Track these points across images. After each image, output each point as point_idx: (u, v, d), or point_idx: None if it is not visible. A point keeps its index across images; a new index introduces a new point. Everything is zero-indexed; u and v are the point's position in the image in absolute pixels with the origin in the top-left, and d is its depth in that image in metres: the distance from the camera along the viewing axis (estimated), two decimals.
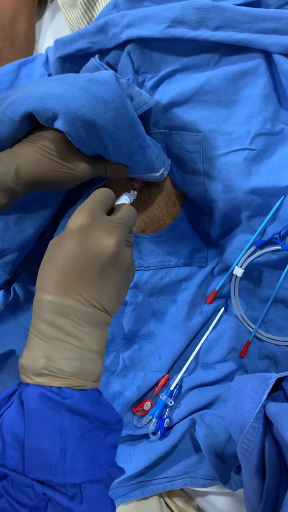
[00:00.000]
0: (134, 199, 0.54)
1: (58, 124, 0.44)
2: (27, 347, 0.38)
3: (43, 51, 0.65)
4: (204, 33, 0.52)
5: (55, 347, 0.37)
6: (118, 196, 0.50)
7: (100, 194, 0.43)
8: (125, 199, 0.51)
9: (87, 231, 0.39)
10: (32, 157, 0.46)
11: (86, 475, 0.35)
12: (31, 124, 0.47)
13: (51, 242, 0.41)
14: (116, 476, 0.38)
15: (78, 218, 0.40)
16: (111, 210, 0.45)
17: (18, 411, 0.36)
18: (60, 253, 0.39)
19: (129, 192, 0.54)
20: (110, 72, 0.47)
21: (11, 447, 0.35)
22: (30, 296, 0.66)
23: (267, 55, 0.53)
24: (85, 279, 0.38)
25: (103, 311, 0.39)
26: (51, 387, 0.36)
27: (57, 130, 0.46)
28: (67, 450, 0.34)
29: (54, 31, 0.82)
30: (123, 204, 0.46)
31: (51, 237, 0.62)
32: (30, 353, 0.38)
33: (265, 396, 0.41)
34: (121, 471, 0.39)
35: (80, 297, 0.38)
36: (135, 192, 0.44)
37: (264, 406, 0.40)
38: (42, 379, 0.36)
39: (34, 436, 0.34)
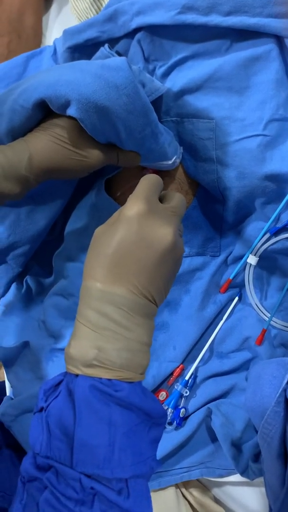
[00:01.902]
0: None
1: (71, 111, 0.44)
2: (74, 336, 0.37)
3: (50, 45, 0.65)
4: (215, 19, 0.51)
5: (106, 338, 0.36)
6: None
7: (152, 181, 0.41)
8: None
9: (145, 219, 0.38)
10: (44, 145, 0.46)
11: (133, 470, 0.34)
12: (43, 113, 0.47)
13: (99, 230, 0.40)
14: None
15: (135, 205, 0.38)
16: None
17: (66, 402, 0.35)
18: (114, 240, 0.37)
19: None
20: (122, 58, 0.46)
21: (57, 438, 0.34)
22: (42, 288, 0.66)
23: (279, 39, 0.53)
24: (140, 268, 0.37)
25: (152, 302, 0.38)
26: (101, 379, 0.35)
27: (69, 117, 0.46)
28: (115, 444, 0.34)
29: (61, 24, 0.82)
30: (174, 192, 0.44)
31: (63, 229, 0.62)
32: (78, 342, 0.36)
33: (285, 381, 0.40)
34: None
35: (132, 287, 0.36)
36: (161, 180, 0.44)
37: (284, 390, 0.40)
38: (91, 370, 0.35)
39: (84, 429, 0.34)
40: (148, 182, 0.41)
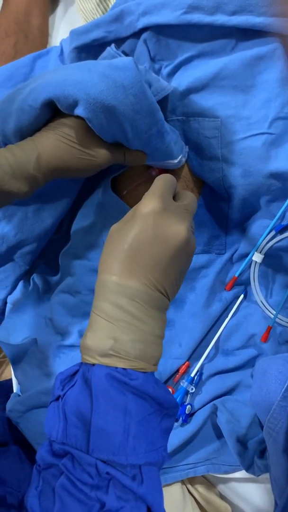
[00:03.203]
0: None
1: (79, 111, 0.45)
2: (90, 327, 0.39)
3: (57, 45, 0.65)
4: (220, 18, 0.52)
5: (121, 329, 0.37)
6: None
7: (166, 180, 0.43)
8: None
9: (160, 216, 0.39)
10: (52, 145, 0.46)
11: (146, 457, 0.35)
12: (51, 112, 0.48)
13: (114, 227, 0.41)
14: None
15: (150, 202, 0.40)
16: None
17: (83, 391, 0.36)
18: (129, 236, 0.39)
19: None
20: (129, 58, 0.47)
21: (74, 425, 0.35)
22: (49, 286, 0.66)
23: (284, 38, 0.53)
24: (154, 263, 0.38)
25: (165, 296, 0.40)
26: (116, 368, 0.36)
27: (77, 117, 0.47)
28: (129, 431, 0.35)
29: (67, 24, 0.82)
30: (186, 191, 0.46)
31: (69, 227, 0.62)
32: (95, 333, 0.38)
33: None
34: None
35: (147, 281, 0.38)
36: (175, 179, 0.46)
37: None
38: (108, 360, 0.37)
39: (100, 416, 0.35)
40: (162, 181, 0.42)
